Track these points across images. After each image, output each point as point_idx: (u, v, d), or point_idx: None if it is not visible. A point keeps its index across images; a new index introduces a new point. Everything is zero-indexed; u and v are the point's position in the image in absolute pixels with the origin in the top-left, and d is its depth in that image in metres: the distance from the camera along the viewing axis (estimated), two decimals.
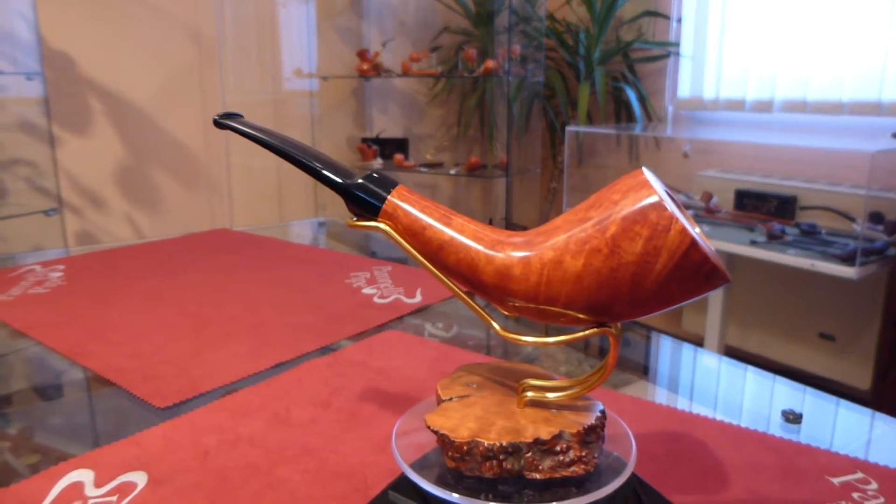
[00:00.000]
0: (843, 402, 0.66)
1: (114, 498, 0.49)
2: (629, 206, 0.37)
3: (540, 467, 0.39)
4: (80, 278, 1.06)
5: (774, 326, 2.32)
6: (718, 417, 0.61)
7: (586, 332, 0.41)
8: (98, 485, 0.51)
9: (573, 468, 0.39)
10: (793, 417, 0.60)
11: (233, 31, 2.59)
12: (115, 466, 0.54)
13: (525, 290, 0.41)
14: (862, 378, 2.10)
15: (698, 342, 2.35)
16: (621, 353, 0.86)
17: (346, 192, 0.45)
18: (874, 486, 0.49)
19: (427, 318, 0.90)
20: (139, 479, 0.52)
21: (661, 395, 0.71)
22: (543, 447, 0.39)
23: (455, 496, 0.39)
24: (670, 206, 0.37)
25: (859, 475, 0.51)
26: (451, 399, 0.45)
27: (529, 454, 0.39)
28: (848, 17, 2.11)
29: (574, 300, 0.39)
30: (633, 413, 0.62)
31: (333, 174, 0.46)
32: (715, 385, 0.75)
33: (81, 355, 0.76)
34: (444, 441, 0.40)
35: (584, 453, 0.39)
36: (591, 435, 0.40)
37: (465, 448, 0.39)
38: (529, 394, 0.43)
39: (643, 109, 2.73)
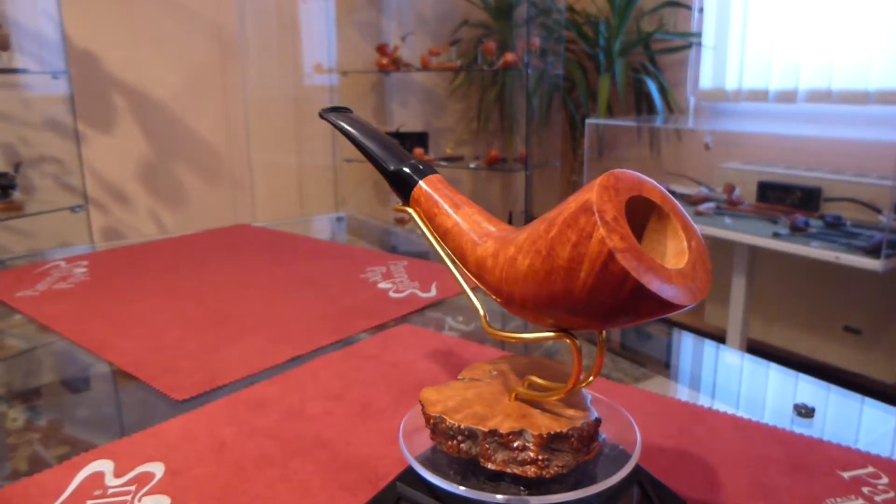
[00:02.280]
0: (868, 400, 0.65)
1: (132, 487, 0.51)
2: (570, 209, 0.35)
3: (493, 458, 0.40)
4: (103, 274, 1.08)
5: (798, 320, 2.29)
6: (735, 413, 0.61)
7: (544, 335, 0.40)
8: (117, 475, 0.53)
9: (526, 468, 0.39)
10: (805, 411, 0.60)
11: (254, 28, 2.61)
12: (134, 457, 0.55)
13: (492, 284, 0.41)
14: (888, 371, 2.07)
15: (721, 335, 2.33)
16: (637, 347, 0.86)
17: (389, 178, 0.49)
18: (885, 480, 0.49)
19: (442, 313, 0.90)
20: (157, 469, 0.53)
21: (677, 391, 0.71)
22: (500, 440, 0.39)
23: (461, 489, 0.40)
24: (605, 215, 0.34)
25: (870, 469, 0.50)
26: (462, 379, 0.46)
27: (485, 442, 0.40)
28: (873, 4, 2.07)
29: (525, 300, 0.38)
30: (646, 407, 0.62)
31: (387, 162, 0.49)
32: (732, 380, 0.75)
33: (103, 349, 0.78)
34: (422, 411, 0.42)
35: (541, 456, 0.39)
36: (559, 443, 0.39)
37: (431, 421, 0.41)
38: (520, 389, 0.43)
39: (664, 101, 2.71)
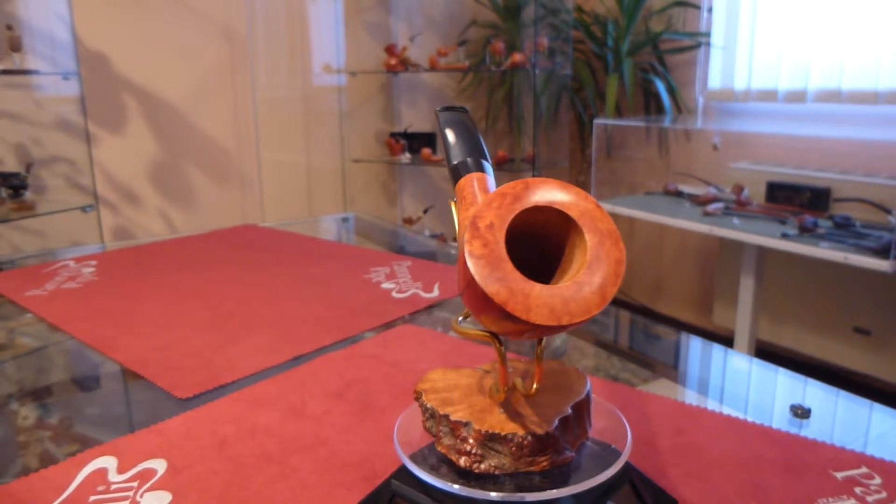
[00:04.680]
0: (865, 401, 0.65)
1: (135, 483, 0.52)
2: None
3: (443, 441, 0.42)
4: (110, 273, 1.10)
5: (807, 321, 2.28)
6: (732, 414, 0.61)
7: (476, 332, 0.42)
8: (120, 471, 0.54)
9: (461, 457, 0.41)
10: (801, 412, 0.60)
11: (263, 29, 2.63)
12: (137, 454, 0.56)
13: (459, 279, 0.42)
14: None
15: (729, 336, 2.33)
16: (645, 349, 0.87)
17: (450, 173, 0.50)
18: (878, 480, 0.49)
19: (444, 313, 0.91)
20: (159, 465, 0.54)
21: (680, 392, 0.72)
22: (449, 426, 0.42)
23: (455, 487, 0.40)
24: (479, 221, 0.33)
25: (864, 470, 0.51)
26: (478, 369, 0.49)
27: (440, 425, 0.42)
28: (883, 4, 2.06)
29: (464, 296, 0.39)
30: (644, 408, 0.62)
31: (453, 157, 0.50)
32: (732, 382, 0.75)
33: (110, 348, 0.79)
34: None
35: (476, 451, 0.40)
36: (498, 444, 0.40)
37: (414, 397, 0.45)
38: (491, 386, 0.45)
39: (673, 101, 2.70)
